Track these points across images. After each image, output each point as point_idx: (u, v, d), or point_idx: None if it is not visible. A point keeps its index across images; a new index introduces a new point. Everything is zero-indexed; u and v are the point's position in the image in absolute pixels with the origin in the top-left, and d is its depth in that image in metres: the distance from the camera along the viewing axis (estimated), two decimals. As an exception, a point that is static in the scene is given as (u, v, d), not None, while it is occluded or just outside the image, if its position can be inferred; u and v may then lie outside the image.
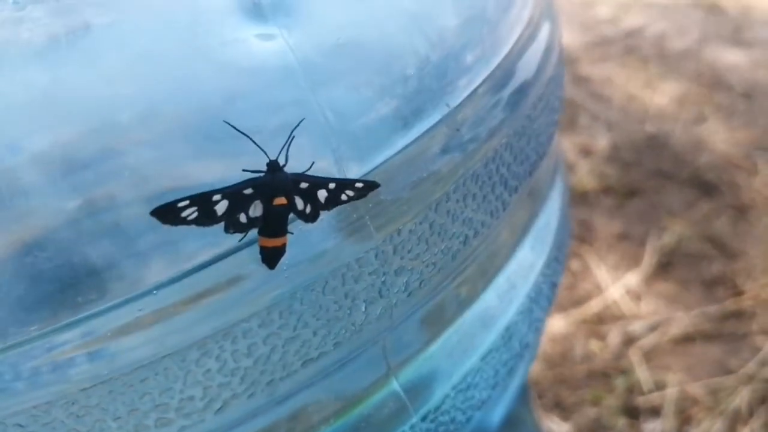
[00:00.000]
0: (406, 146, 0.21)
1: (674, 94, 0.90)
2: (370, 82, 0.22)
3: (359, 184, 0.19)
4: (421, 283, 0.22)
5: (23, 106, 0.18)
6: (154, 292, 0.18)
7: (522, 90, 0.25)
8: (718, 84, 0.90)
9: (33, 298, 0.18)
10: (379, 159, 0.21)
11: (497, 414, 0.29)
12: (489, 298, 0.26)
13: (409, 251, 0.22)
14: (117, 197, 0.18)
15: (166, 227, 0.18)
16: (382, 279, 0.21)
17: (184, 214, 0.17)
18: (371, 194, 0.20)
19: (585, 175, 0.79)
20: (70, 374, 0.18)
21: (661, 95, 0.89)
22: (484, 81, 0.24)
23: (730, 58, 0.94)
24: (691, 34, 0.99)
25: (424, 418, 0.24)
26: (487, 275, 0.26)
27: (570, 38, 0.98)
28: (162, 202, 0.17)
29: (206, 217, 0.18)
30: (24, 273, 0.17)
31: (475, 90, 0.23)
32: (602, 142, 0.82)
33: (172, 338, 0.18)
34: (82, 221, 0.18)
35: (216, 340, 0.19)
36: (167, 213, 0.17)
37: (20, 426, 0.18)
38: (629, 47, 0.98)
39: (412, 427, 0.24)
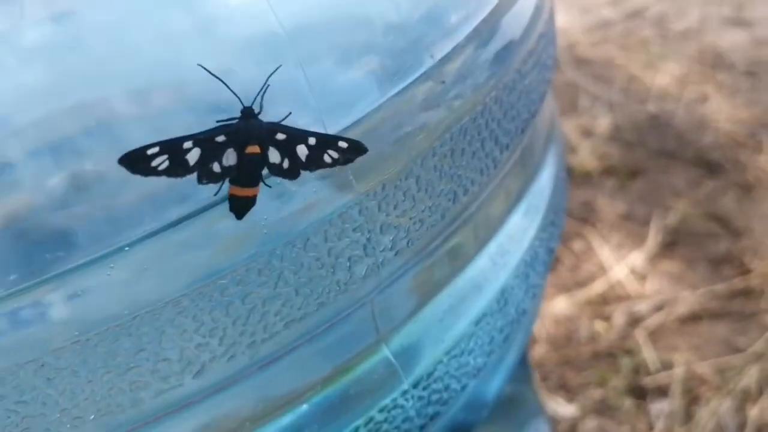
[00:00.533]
0: (389, 99, 0.20)
1: (676, 74, 0.88)
2: (352, 35, 0.21)
3: (343, 144, 0.18)
4: (408, 242, 0.21)
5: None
6: (126, 248, 0.17)
7: (511, 44, 0.24)
8: (720, 63, 0.89)
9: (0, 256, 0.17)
10: (361, 113, 0.20)
11: (494, 386, 0.29)
12: (482, 261, 0.25)
13: (394, 207, 0.21)
14: (86, 153, 0.17)
15: (137, 178, 0.17)
16: (367, 236, 0.20)
17: (154, 163, 0.17)
18: (358, 160, 0.19)
19: (587, 156, 0.77)
20: (39, 334, 0.17)
21: (663, 75, 0.88)
22: (469, 35, 0.23)
23: (732, 37, 0.93)
24: (691, 14, 0.97)
25: (416, 385, 0.23)
26: (479, 238, 0.25)
27: (570, 21, 0.97)
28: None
29: (178, 167, 0.17)
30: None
31: (460, 43, 0.22)
32: (604, 122, 0.81)
33: (145, 296, 0.18)
34: (50, 180, 0.17)
35: (192, 299, 0.18)
36: (136, 161, 0.16)
37: (-10, 390, 0.17)
38: (629, 29, 0.96)
39: (404, 394, 0.23)
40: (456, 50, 0.22)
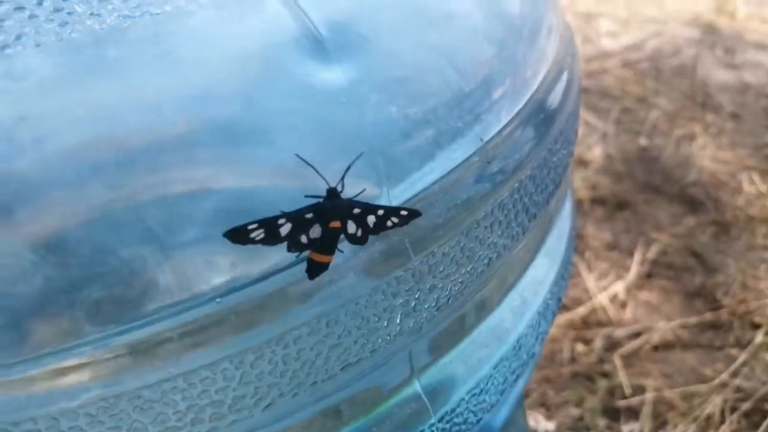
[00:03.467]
0: (444, 175, 0.24)
1: (668, 110, 0.93)
2: (415, 116, 0.24)
3: (404, 212, 0.21)
4: (449, 300, 0.25)
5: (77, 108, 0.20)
6: (218, 300, 0.20)
7: (546, 124, 0.27)
8: (709, 103, 0.93)
9: (111, 300, 0.19)
10: (420, 187, 0.23)
11: (501, 416, 0.32)
12: (503, 312, 0.28)
13: (441, 271, 0.24)
14: (193, 218, 0.20)
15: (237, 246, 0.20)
16: (416, 295, 0.23)
17: (252, 235, 0.19)
18: (412, 222, 0.22)
19: (579, 185, 0.81)
20: (137, 370, 0.20)
21: (656, 111, 0.92)
22: (514, 116, 0.26)
23: (722, 78, 0.98)
24: (686, 52, 1.02)
25: (440, 419, 0.27)
26: (502, 292, 0.28)
27: (570, 48, 1.01)
28: (234, 225, 0.19)
29: (272, 238, 0.20)
30: (101, 278, 0.19)
31: (507, 125, 0.25)
32: (597, 153, 0.85)
33: (230, 341, 0.21)
34: (159, 237, 0.20)
35: (270, 346, 0.21)
36: (238, 234, 0.19)
37: (90, 415, 0.20)
38: (627, 61, 1.01)
39: (430, 426, 0.26)
40: (502, 132, 0.25)
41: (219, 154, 0.21)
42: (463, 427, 0.28)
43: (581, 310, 0.71)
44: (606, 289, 0.72)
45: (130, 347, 0.20)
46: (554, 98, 0.28)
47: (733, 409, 0.63)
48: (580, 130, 0.90)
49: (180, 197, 0.20)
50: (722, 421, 0.62)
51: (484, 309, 0.28)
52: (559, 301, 0.32)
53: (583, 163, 0.84)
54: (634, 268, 0.74)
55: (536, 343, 0.30)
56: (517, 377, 0.30)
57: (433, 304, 0.24)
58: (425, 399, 0.26)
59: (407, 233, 0.22)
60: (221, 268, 0.21)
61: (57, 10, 0.20)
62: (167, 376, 0.20)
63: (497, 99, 0.26)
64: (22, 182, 0.19)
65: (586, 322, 0.70)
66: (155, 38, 0.21)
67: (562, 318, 0.70)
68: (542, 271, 0.30)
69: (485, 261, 0.25)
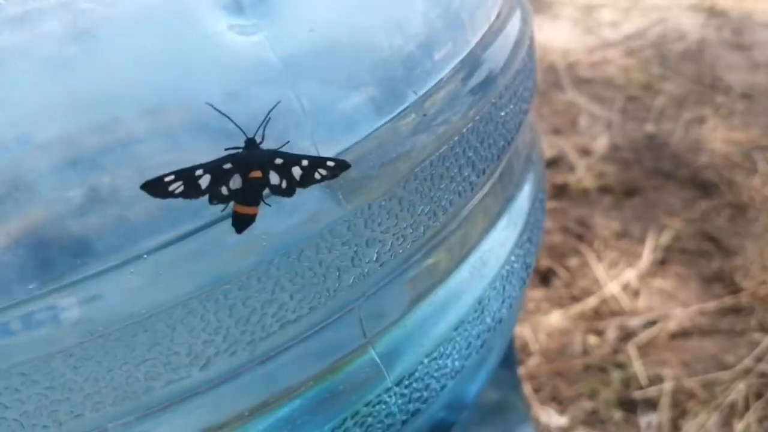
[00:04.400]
0: (376, 129, 0.23)
1: (675, 95, 0.91)
2: (344, 71, 0.24)
3: (330, 163, 0.21)
4: (392, 255, 0.24)
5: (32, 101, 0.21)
6: (144, 256, 0.20)
7: (488, 80, 0.27)
8: (718, 85, 0.91)
9: (36, 260, 0.20)
10: (351, 141, 0.23)
11: (473, 388, 0.31)
12: (461, 273, 0.28)
13: (379, 224, 0.23)
14: (114, 177, 0.20)
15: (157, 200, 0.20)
16: (354, 249, 0.23)
17: (171, 188, 0.19)
18: (343, 174, 0.22)
19: (584, 175, 0.80)
20: (68, 328, 0.20)
21: (662, 97, 0.90)
22: (450, 71, 0.26)
23: (730, 59, 0.95)
24: (691, 37, 1.00)
25: (398, 384, 0.26)
26: (458, 252, 0.28)
27: (572, 41, 1.00)
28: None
29: (192, 190, 0.20)
30: (28, 239, 0.20)
31: (442, 79, 0.25)
32: (602, 142, 0.83)
33: (159, 298, 0.21)
34: (83, 197, 0.20)
35: (200, 301, 0.21)
36: (156, 187, 0.19)
37: (23, 374, 0.20)
38: (630, 49, 0.99)
39: (387, 391, 0.26)
40: (438, 85, 0.25)
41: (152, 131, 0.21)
42: (425, 393, 0.27)
43: (591, 301, 0.69)
44: (617, 278, 0.70)
45: (59, 306, 0.20)
46: (498, 54, 0.28)
47: (759, 396, 0.60)
48: (584, 121, 0.89)
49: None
50: (747, 408, 0.59)
51: (438, 270, 0.27)
52: (527, 267, 0.31)
53: (587, 152, 0.82)
54: (647, 255, 0.72)
55: (503, 308, 0.29)
56: (483, 342, 0.29)
57: (374, 259, 0.24)
58: (379, 362, 0.25)
59: (340, 185, 0.22)
60: (144, 225, 0.21)
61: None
62: (97, 334, 0.20)
63: (432, 54, 0.25)
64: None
65: (598, 313, 0.68)
66: (77, 25, 0.21)
67: (572, 309, 0.68)
68: (503, 233, 0.30)
69: (429, 215, 0.25)
